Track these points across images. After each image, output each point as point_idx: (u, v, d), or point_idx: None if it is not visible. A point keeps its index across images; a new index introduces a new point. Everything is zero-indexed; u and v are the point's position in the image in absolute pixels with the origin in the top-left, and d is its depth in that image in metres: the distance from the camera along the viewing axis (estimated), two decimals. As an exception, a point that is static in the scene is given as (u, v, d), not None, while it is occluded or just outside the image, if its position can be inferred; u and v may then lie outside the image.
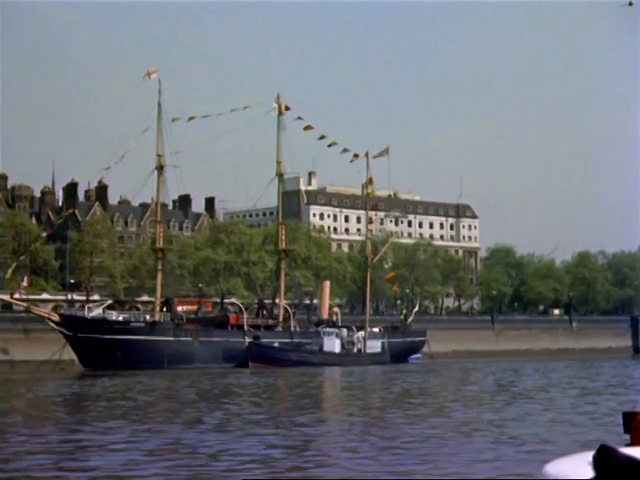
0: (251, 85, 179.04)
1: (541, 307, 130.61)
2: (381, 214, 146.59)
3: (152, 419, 29.66)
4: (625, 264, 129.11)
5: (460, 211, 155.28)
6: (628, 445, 5.15)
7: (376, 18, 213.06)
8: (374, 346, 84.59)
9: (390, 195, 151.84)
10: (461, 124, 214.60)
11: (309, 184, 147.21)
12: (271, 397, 41.79)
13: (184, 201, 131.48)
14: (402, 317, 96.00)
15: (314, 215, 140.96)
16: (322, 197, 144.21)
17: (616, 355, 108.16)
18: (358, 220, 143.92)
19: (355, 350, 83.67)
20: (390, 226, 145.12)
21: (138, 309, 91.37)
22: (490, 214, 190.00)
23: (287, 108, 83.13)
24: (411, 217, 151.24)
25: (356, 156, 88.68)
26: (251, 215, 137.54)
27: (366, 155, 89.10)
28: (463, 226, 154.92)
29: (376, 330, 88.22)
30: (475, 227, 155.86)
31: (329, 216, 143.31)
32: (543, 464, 3.54)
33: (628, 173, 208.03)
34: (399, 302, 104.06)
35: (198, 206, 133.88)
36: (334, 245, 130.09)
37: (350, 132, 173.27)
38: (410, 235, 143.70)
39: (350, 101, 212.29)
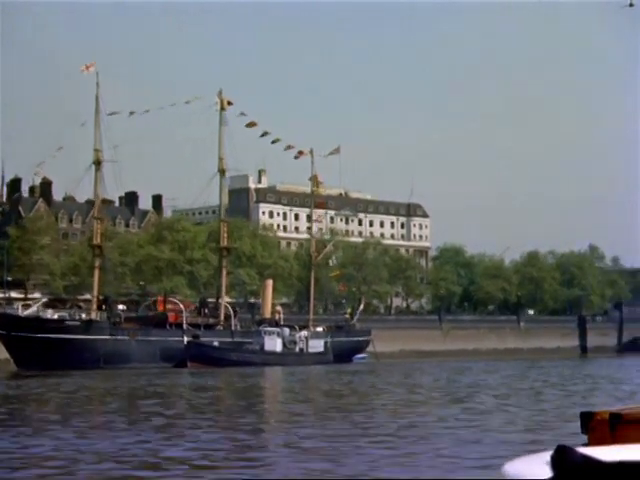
0: (193, 80, 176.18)
1: (490, 306, 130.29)
2: (331, 212, 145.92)
3: (46, 422, 28.22)
4: (573, 264, 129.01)
5: (411, 210, 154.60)
6: (585, 445, 5.24)
7: (325, 15, 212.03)
8: (317, 346, 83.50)
9: (341, 194, 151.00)
10: (413, 123, 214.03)
11: (259, 182, 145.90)
12: (190, 399, 40.46)
13: (131, 198, 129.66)
14: (347, 316, 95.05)
15: (263, 213, 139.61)
16: (272, 195, 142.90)
17: (564, 355, 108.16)
18: (308, 219, 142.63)
19: (297, 350, 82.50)
20: (341, 225, 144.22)
21: (80, 307, 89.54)
22: (441, 213, 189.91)
23: (229, 103, 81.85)
24: (362, 216, 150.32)
25: (301, 153, 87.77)
26: (200, 213, 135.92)
27: (310, 152, 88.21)
28: (414, 225, 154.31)
29: (320, 329, 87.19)
30: (426, 226, 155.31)
31: (279, 214, 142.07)
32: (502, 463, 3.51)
33: (584, 175, 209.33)
34: (344, 301, 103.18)
35: (146, 203, 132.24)
36: (283, 244, 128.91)
37: (300, 131, 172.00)
38: (361, 234, 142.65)
39: (299, 100, 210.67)
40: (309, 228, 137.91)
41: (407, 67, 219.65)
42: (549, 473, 3.15)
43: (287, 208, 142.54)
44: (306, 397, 41.97)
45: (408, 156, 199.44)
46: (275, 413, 32.73)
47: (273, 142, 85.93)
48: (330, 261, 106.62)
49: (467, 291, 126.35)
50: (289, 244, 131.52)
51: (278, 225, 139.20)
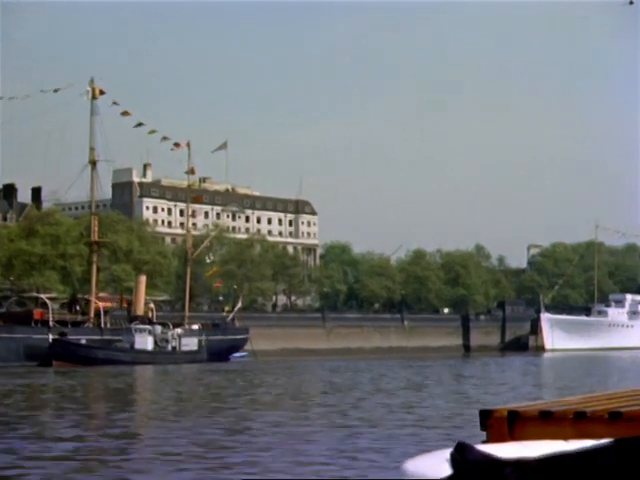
0: (64, 69, 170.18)
1: (376, 305, 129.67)
2: (218, 208, 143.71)
3: None
4: (458, 262, 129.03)
5: (299, 207, 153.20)
6: (484, 442, 5.49)
7: (215, 4, 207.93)
8: (190, 344, 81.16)
9: (228, 189, 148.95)
10: (303, 120, 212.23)
11: (143, 176, 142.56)
12: (25, 402, 37.88)
13: (9, 191, 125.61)
14: (224, 314, 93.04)
15: (147, 208, 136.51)
16: (156, 190, 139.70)
17: (447, 353, 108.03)
18: (193, 214, 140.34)
19: (169, 348, 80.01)
20: (227, 221, 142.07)
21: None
22: (331, 211, 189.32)
23: (102, 92, 78.95)
24: (249, 212, 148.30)
25: (177, 145, 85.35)
26: (83, 207, 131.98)
27: (188, 144, 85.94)
28: (302, 222, 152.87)
29: (195, 327, 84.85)
30: (314, 224, 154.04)
31: (163, 209, 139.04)
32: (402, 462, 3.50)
33: (475, 174, 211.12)
34: (222, 299, 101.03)
35: (27, 196, 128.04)
36: (168, 239, 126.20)
37: (187, 126, 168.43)
38: (248, 230, 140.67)
39: (186, 94, 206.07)
40: (194, 224, 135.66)
41: (299, 63, 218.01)
42: (449, 471, 3.12)
43: (172, 203, 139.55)
44: (145, 399, 39.76)
45: (297, 153, 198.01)
46: (100, 417, 30.40)
47: (150, 133, 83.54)
48: (208, 257, 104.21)
49: (353, 289, 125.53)
50: (174, 240, 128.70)
51: (162, 220, 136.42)
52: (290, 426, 25.13)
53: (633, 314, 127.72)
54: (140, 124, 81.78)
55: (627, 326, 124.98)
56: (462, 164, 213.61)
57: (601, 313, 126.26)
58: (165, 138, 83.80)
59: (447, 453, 3.18)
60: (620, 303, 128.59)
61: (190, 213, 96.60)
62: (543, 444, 3.83)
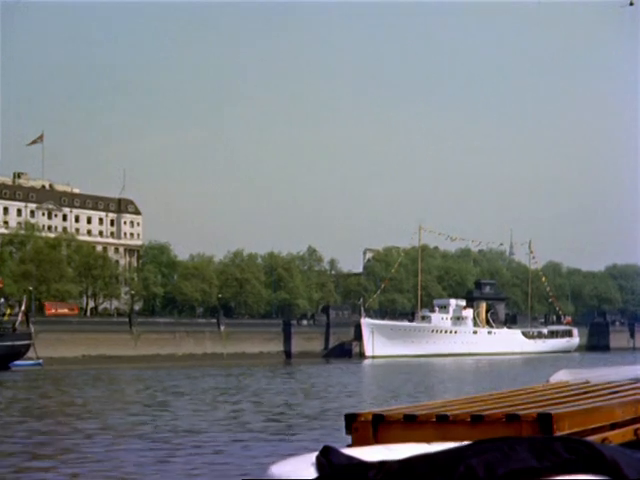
0: None
1: (200, 309, 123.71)
2: (32, 206, 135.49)
3: None
4: (280, 265, 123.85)
5: (122, 206, 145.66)
6: (349, 446, 5.37)
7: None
8: (-42, 351, 73.80)
9: (44, 186, 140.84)
10: (126, 116, 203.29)
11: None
12: None
13: None
14: (4, 318, 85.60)
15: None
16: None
17: (267, 360, 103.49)
18: (5, 211, 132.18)
19: None
20: (43, 219, 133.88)
21: None
22: (156, 211, 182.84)
23: None
24: (67, 210, 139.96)
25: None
26: None
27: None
28: (125, 222, 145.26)
29: (-29, 333, 77.40)
30: (138, 224, 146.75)
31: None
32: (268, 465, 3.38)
33: (307, 178, 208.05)
34: (2, 300, 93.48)
35: None
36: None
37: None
38: (65, 230, 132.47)
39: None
40: (5, 222, 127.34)
41: (129, 57, 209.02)
42: (315, 474, 3.16)
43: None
44: None
45: (121, 150, 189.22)
46: None
47: None
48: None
49: (169, 293, 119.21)
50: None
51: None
52: None
53: (457, 320, 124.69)
54: None
55: (451, 332, 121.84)
56: (295, 166, 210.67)
57: (425, 318, 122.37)
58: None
59: (313, 456, 3.16)
60: (444, 309, 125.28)
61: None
62: (407, 447, 3.82)
